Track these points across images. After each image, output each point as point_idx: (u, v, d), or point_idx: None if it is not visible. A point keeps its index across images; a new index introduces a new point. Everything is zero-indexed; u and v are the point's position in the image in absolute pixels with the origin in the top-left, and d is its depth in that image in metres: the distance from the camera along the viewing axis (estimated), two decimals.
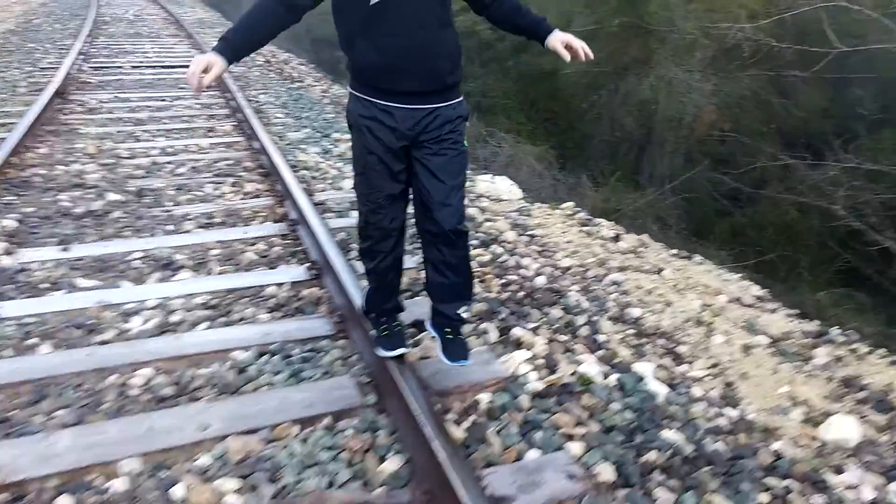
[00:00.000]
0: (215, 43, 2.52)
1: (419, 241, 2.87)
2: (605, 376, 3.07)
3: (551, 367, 3.10)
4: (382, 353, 2.92)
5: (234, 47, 2.53)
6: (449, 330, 2.87)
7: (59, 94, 8.82)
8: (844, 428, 2.84)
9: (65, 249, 4.39)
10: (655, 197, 12.25)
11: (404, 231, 2.89)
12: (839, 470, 2.67)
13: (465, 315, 2.89)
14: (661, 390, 3.02)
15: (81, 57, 11.93)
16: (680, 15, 13.74)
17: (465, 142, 2.72)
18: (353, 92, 2.67)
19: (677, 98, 13.16)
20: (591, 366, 3.09)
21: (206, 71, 2.46)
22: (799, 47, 10.69)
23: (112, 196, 5.33)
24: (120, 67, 11.55)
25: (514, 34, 2.92)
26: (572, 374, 3.04)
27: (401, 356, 2.91)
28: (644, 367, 3.16)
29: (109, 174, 5.93)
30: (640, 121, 15.21)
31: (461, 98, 2.71)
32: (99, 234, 4.70)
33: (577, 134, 16.42)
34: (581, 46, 2.68)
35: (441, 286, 2.81)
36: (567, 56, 2.70)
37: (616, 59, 16.67)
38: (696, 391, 3.13)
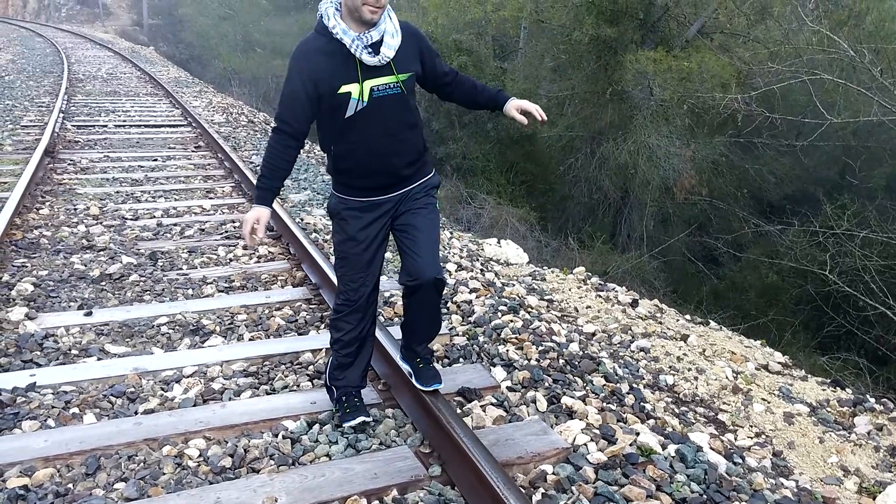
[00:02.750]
0: (253, 195, 2.97)
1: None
2: (664, 447, 3.08)
3: (608, 438, 3.10)
4: (346, 424, 3.13)
5: (272, 190, 2.91)
6: (419, 360, 3.24)
7: (49, 153, 8.75)
8: None
9: (88, 314, 4.31)
10: (644, 259, 12.44)
11: (373, 315, 3.17)
12: None
13: (432, 349, 3.36)
14: (720, 461, 3.04)
15: (62, 115, 11.87)
16: (656, 83, 14.18)
17: (437, 204, 3.14)
18: (335, 192, 3.02)
19: (657, 163, 13.49)
20: (647, 436, 3.10)
21: (255, 224, 2.82)
22: (793, 118, 11.09)
23: (125, 259, 5.27)
24: (104, 126, 11.51)
25: (474, 109, 3.26)
26: (631, 444, 3.05)
27: (363, 423, 3.15)
28: (700, 438, 3.18)
29: (117, 236, 5.87)
30: (617, 184, 15.54)
31: (432, 172, 3.10)
32: (119, 299, 4.64)
33: (556, 196, 16.70)
34: (535, 109, 3.01)
35: (416, 329, 3.20)
36: (524, 120, 3.02)
37: (591, 125, 17.12)
38: (751, 461, 3.16)
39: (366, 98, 2.74)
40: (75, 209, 6.59)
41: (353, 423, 3.11)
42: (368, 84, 2.74)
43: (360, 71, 2.72)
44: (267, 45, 31.63)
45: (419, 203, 3.00)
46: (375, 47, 2.72)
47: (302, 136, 2.85)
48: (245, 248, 5.21)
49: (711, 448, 3.15)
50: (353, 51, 2.69)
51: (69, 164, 8.58)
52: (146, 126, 11.77)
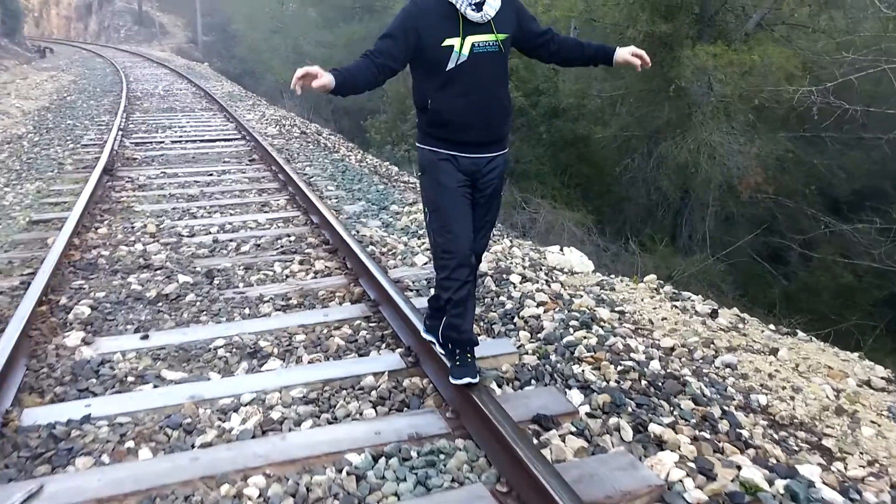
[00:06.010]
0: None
1: None
2: (771, 482, 2.76)
3: (706, 473, 2.80)
4: (453, 381, 3.24)
5: (343, 79, 2.92)
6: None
7: (107, 170, 8.78)
8: None
9: (144, 338, 4.17)
10: (710, 263, 11.96)
11: (477, 266, 3.32)
12: None
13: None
14: (836, 498, 2.71)
15: (121, 132, 11.97)
16: (716, 79, 13.68)
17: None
18: (422, 146, 3.20)
19: (720, 161, 12.98)
20: (750, 469, 2.79)
21: (312, 77, 2.79)
22: (874, 109, 10.51)
23: (182, 277, 5.13)
24: (161, 143, 11.55)
25: (581, 65, 3.43)
26: (733, 479, 2.74)
27: (471, 385, 3.19)
28: (810, 471, 2.86)
29: (174, 254, 5.76)
30: (676, 184, 15.04)
31: (507, 148, 3.30)
32: (175, 320, 4.49)
33: (613, 198, 16.27)
34: (642, 54, 3.19)
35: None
36: (637, 63, 3.18)
37: (647, 124, 16.64)
38: (868, 496, 2.82)
39: (466, 52, 2.99)
40: (132, 227, 6.52)
41: (461, 381, 3.19)
42: (470, 40, 2.99)
43: (463, 27, 2.97)
44: (317, 57, 31.64)
45: (491, 189, 3.22)
46: (479, 6, 2.96)
47: (383, 68, 3.00)
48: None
49: (824, 483, 2.82)
50: (458, 6, 2.94)
51: (127, 182, 8.57)
52: (201, 141, 11.78)
